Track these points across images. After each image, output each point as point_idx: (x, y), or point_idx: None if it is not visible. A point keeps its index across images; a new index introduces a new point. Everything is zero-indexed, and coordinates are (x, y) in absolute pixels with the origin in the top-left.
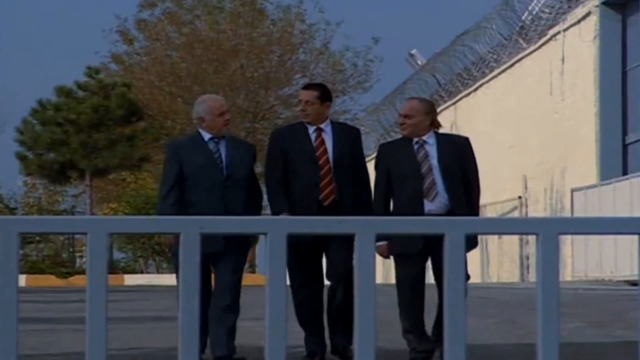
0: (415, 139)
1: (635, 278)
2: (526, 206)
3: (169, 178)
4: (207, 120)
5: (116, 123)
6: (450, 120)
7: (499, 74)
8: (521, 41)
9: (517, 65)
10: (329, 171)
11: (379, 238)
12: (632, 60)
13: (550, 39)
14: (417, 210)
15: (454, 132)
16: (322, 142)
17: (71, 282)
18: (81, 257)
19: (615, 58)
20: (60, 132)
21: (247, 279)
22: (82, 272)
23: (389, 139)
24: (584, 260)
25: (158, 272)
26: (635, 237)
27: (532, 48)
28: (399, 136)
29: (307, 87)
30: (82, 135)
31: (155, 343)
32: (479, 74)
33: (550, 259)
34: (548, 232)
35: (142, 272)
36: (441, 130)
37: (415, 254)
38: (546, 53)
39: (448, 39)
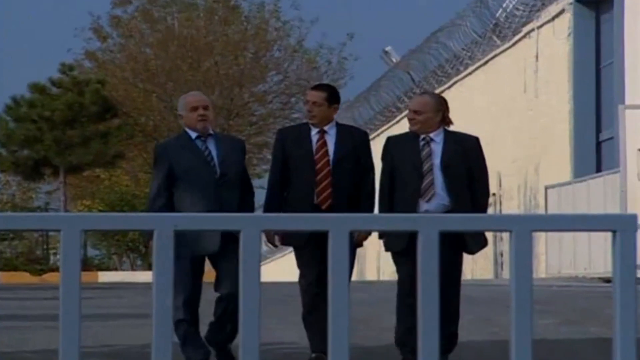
0: (422, 136)
1: (609, 275)
2: (500, 203)
3: (157, 180)
4: (184, 117)
5: (90, 120)
6: None
7: (473, 71)
8: (495, 38)
9: (491, 62)
10: (327, 175)
11: (379, 236)
12: (605, 57)
13: (524, 37)
14: (412, 209)
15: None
16: (324, 144)
17: (45, 279)
18: (55, 254)
19: (589, 55)
20: (34, 129)
21: None
22: (56, 269)
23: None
24: (558, 257)
25: (132, 269)
26: (609, 234)
27: (506, 45)
28: (376, 134)
29: (315, 87)
30: (56, 132)
31: (130, 340)
32: (453, 71)
33: (524, 255)
34: (522, 229)
35: (116, 269)
36: (452, 128)
37: (411, 252)
38: (520, 50)
39: (422, 36)
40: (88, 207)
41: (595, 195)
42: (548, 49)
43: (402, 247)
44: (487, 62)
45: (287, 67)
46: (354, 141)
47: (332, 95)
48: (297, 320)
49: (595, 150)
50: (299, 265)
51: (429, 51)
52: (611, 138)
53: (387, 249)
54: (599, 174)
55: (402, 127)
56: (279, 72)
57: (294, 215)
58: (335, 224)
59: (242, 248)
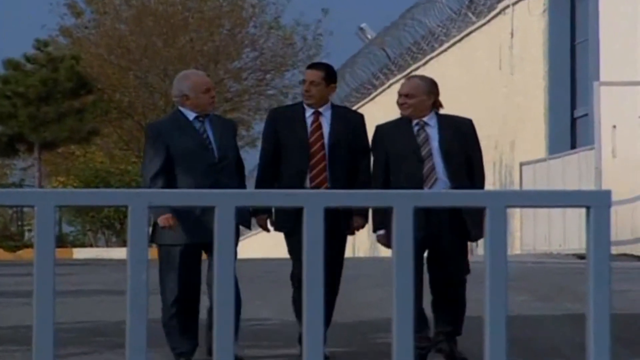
0: (416, 121)
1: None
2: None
3: (154, 164)
4: (191, 98)
5: (65, 96)
6: None
7: (449, 47)
8: (470, 15)
9: (466, 39)
10: (322, 158)
11: (380, 227)
12: (580, 34)
13: (499, 13)
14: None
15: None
16: (319, 126)
17: (19, 255)
18: (30, 230)
19: (564, 32)
20: (8, 105)
21: None
22: (31, 245)
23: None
24: (533, 234)
25: (107, 246)
26: (583, 210)
27: (481, 22)
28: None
29: (313, 66)
30: (31, 108)
31: (105, 316)
32: (428, 48)
33: (498, 232)
34: (496, 205)
35: (91, 246)
36: (442, 111)
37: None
38: (495, 27)
39: (398, 13)
40: (63, 184)
41: (570, 172)
42: (523, 26)
43: (418, 240)
44: (462, 38)
45: (263, 44)
46: (350, 124)
47: (330, 74)
48: (270, 297)
49: (570, 127)
50: (290, 254)
51: (404, 28)
52: (586, 115)
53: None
54: (574, 150)
55: (377, 104)
56: (255, 49)
57: (269, 191)
58: (311, 201)
59: (216, 224)
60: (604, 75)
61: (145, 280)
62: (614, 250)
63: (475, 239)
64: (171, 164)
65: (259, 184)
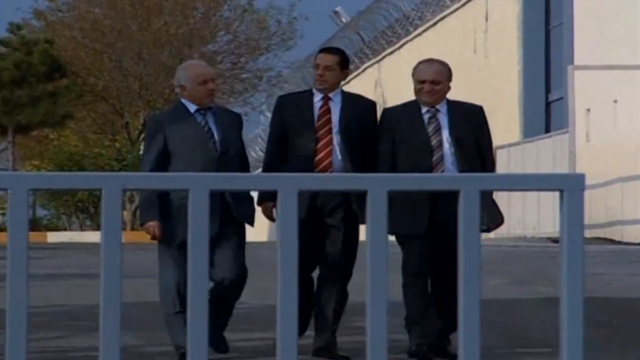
0: (426, 108)
1: (558, 235)
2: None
3: (151, 157)
4: (188, 89)
5: (39, 80)
6: (374, 78)
7: (423, 31)
8: None
9: (441, 23)
10: (328, 143)
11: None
12: (555, 18)
13: None
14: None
15: (378, 89)
16: (327, 111)
17: None
18: (3, 214)
19: (539, 16)
20: None
21: None
22: (4, 229)
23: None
24: (507, 217)
25: (81, 230)
26: (557, 194)
27: (455, 6)
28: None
29: (327, 51)
30: (5, 92)
31: (79, 300)
32: (403, 31)
33: (472, 215)
34: (470, 189)
35: (65, 230)
36: (449, 96)
37: (420, 235)
38: (470, 11)
39: None
40: (37, 167)
41: (544, 156)
42: (498, 10)
43: (423, 230)
44: (436, 22)
45: (237, 27)
46: (361, 110)
47: (344, 60)
48: (248, 281)
49: (545, 111)
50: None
51: (379, 11)
52: (560, 99)
53: (396, 232)
54: (548, 134)
55: (351, 87)
56: (229, 32)
57: (244, 174)
58: (285, 184)
59: (191, 207)
60: (578, 59)
61: (118, 264)
62: (588, 233)
63: (488, 230)
64: (170, 157)
65: (266, 170)
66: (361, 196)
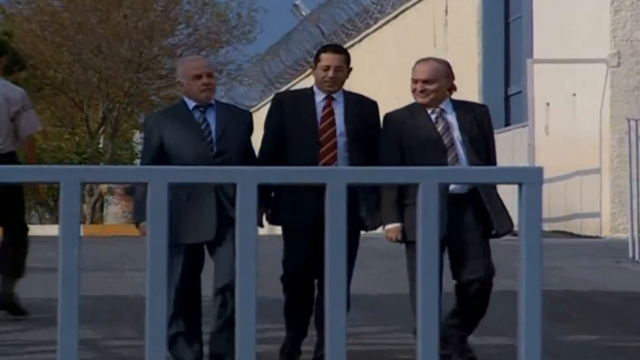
0: (431, 108)
1: (516, 228)
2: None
3: (145, 157)
4: (184, 85)
5: None
6: None
7: (383, 25)
8: None
9: (401, 16)
10: (332, 147)
11: (394, 220)
12: (514, 11)
13: None
14: (441, 191)
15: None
16: (331, 112)
17: None
18: None
19: (498, 9)
20: None
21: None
22: None
23: (276, 90)
24: None
25: (41, 223)
26: (516, 187)
27: None
28: (286, 87)
29: (334, 50)
30: None
31: (37, 293)
32: (363, 25)
33: (431, 209)
34: (429, 182)
35: None
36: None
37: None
38: (430, 5)
39: None
40: None
41: (504, 149)
42: (457, 3)
43: (442, 237)
44: (396, 16)
45: (197, 21)
46: (364, 111)
47: (349, 58)
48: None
49: (504, 104)
50: (289, 251)
51: (339, 5)
52: (520, 92)
53: (408, 239)
54: (508, 127)
55: (311, 80)
56: (189, 26)
57: (204, 168)
58: (243, 177)
59: (149, 201)
60: (537, 53)
61: (77, 257)
62: (547, 227)
63: (498, 235)
64: (165, 157)
65: None
66: (370, 202)
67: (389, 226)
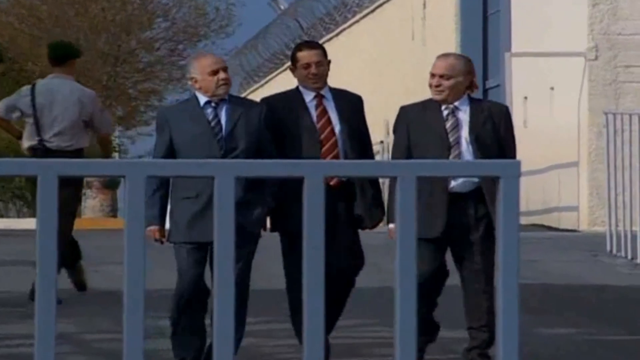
0: (444, 105)
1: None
2: (388, 151)
3: (157, 156)
4: (199, 81)
5: None
6: None
7: (361, 19)
8: None
9: (379, 10)
10: (334, 146)
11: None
12: (492, 5)
13: None
14: (438, 188)
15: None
16: (324, 111)
17: None
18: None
19: (476, 3)
20: None
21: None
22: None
23: (255, 84)
24: None
25: (18, 217)
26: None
27: None
28: (264, 81)
29: (310, 46)
30: None
31: (15, 286)
32: (341, 18)
33: (409, 202)
34: (407, 175)
35: (2, 216)
36: (475, 95)
37: (433, 239)
38: None
39: None
40: None
41: None
42: None
43: (437, 233)
44: (375, 9)
45: (175, 14)
46: (353, 106)
47: (326, 52)
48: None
49: (482, 97)
50: (289, 265)
51: None
52: (498, 86)
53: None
54: None
55: (289, 74)
56: (167, 19)
57: (180, 161)
58: (222, 170)
59: (127, 195)
60: (515, 47)
61: (54, 251)
62: (525, 220)
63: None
64: (174, 154)
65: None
66: (369, 201)
67: (391, 225)
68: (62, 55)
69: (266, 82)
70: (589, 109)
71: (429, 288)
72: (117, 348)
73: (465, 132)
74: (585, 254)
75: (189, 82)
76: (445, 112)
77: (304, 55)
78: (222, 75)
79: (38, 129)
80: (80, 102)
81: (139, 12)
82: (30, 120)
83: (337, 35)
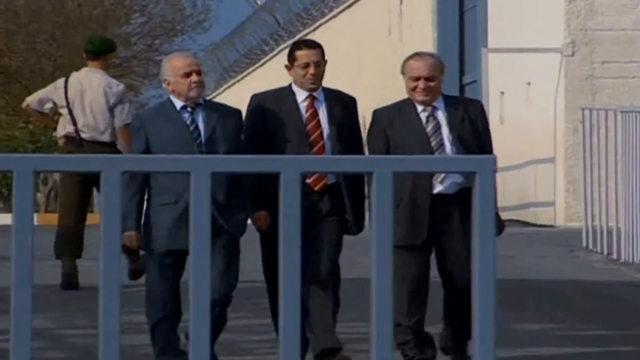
0: (422, 106)
1: None
2: (366, 146)
3: None
4: (172, 83)
5: None
6: None
7: (338, 14)
8: None
9: (355, 5)
10: (321, 149)
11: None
12: (469, 1)
13: None
14: (424, 192)
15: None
16: (315, 113)
17: None
18: None
19: None
20: None
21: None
22: None
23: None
24: None
25: None
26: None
27: None
28: (240, 76)
29: (309, 45)
30: None
31: None
32: (318, 13)
33: (385, 198)
34: (383, 171)
35: None
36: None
37: (418, 245)
38: None
39: None
40: None
41: None
42: None
43: (422, 240)
44: (351, 5)
45: (152, 9)
46: (346, 108)
47: (324, 51)
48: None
49: (459, 93)
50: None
51: None
52: (474, 81)
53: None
54: None
55: (266, 69)
56: (143, 14)
57: (155, 156)
58: (198, 165)
59: (102, 190)
60: (492, 42)
61: (30, 246)
62: (501, 216)
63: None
64: None
65: (254, 181)
66: (356, 206)
67: None
68: (99, 51)
69: (242, 78)
70: (566, 104)
71: (420, 292)
72: (93, 343)
73: (446, 132)
74: (561, 249)
75: (163, 84)
76: (424, 114)
77: (303, 55)
78: (194, 78)
79: (72, 119)
80: (105, 94)
81: (116, 8)
82: (64, 110)
83: (314, 30)
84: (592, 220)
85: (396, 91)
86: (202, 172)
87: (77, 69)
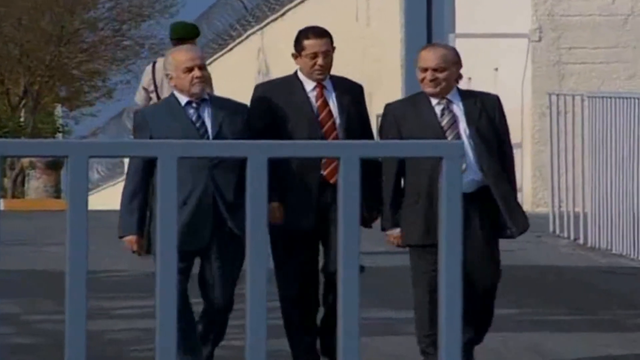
0: (437, 99)
1: None
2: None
3: (136, 160)
4: (174, 78)
5: None
6: (257, 45)
7: None
8: None
9: None
10: (335, 139)
11: (393, 224)
12: None
13: None
14: (434, 192)
15: (261, 58)
16: (325, 103)
17: None
18: None
19: None
20: None
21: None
22: None
23: None
24: None
25: None
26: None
27: None
28: (208, 62)
29: (317, 34)
30: None
31: None
32: None
33: (352, 183)
34: (350, 156)
35: None
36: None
37: (435, 245)
38: None
39: None
40: None
41: None
42: None
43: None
44: None
45: None
46: (354, 96)
47: (332, 39)
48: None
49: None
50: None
51: None
52: None
53: (407, 243)
54: None
55: (234, 54)
56: None
57: (123, 141)
58: (165, 151)
59: (69, 174)
60: (459, 27)
61: None
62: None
63: (513, 236)
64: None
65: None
66: (371, 199)
67: (388, 232)
68: (181, 36)
69: (210, 63)
70: (533, 90)
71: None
72: (60, 329)
73: (463, 126)
74: (528, 234)
75: (167, 80)
76: (439, 108)
77: (311, 44)
78: (197, 73)
79: None
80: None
81: None
82: (153, 95)
83: (281, 15)
84: (559, 206)
85: (364, 76)
86: (169, 157)
87: (44, 54)
